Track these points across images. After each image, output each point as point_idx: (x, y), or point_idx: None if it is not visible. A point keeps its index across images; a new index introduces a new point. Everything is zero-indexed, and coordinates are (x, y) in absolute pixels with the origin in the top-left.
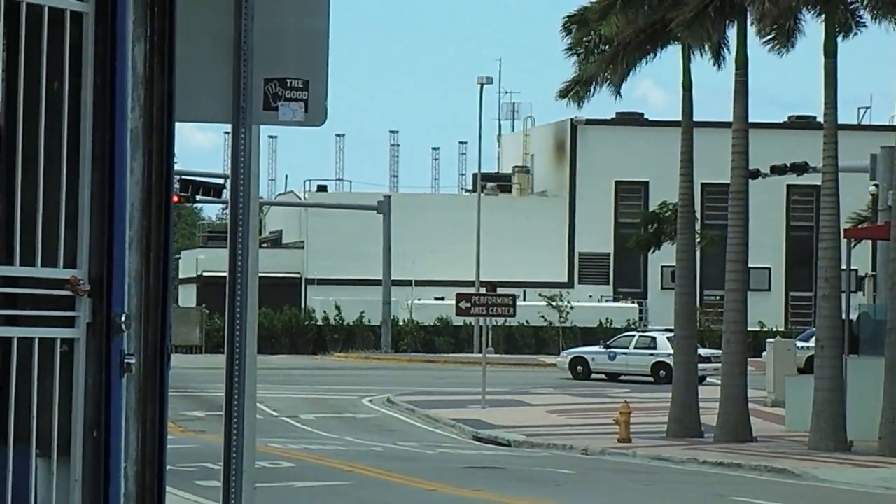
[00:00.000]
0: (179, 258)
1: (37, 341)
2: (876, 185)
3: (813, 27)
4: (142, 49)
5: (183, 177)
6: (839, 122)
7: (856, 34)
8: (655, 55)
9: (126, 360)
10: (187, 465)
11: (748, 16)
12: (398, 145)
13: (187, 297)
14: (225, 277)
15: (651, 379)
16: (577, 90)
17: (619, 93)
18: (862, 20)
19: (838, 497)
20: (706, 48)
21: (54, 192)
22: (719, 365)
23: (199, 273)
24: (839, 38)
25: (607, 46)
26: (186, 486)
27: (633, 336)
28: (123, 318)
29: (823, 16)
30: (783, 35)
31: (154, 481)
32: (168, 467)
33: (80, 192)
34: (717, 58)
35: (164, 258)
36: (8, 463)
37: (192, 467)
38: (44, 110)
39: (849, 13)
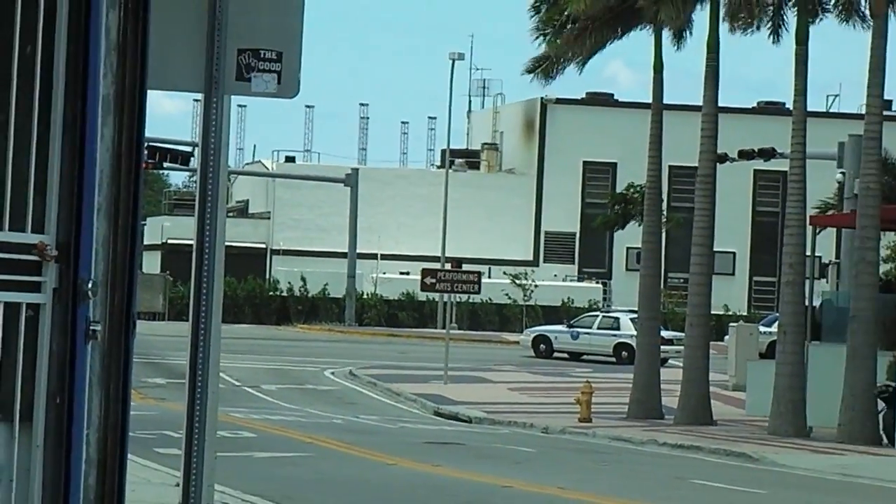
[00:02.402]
0: (145, 225)
1: (2, 305)
2: (843, 173)
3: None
4: (116, 16)
5: (151, 144)
6: (808, 109)
7: (821, 19)
8: (624, 35)
9: (91, 327)
10: (148, 433)
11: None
12: (367, 119)
13: (151, 264)
14: (190, 245)
15: (613, 359)
16: (544, 67)
17: (583, 68)
18: (828, 10)
19: (796, 482)
20: (670, 29)
21: (24, 157)
22: (682, 347)
23: (163, 240)
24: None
25: (575, 24)
26: (147, 453)
27: (597, 316)
28: (90, 285)
29: (796, 3)
30: (757, 20)
31: (116, 448)
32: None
33: (50, 158)
34: (679, 38)
35: (133, 225)
36: None
37: (153, 435)
38: (16, 75)
39: (818, 5)
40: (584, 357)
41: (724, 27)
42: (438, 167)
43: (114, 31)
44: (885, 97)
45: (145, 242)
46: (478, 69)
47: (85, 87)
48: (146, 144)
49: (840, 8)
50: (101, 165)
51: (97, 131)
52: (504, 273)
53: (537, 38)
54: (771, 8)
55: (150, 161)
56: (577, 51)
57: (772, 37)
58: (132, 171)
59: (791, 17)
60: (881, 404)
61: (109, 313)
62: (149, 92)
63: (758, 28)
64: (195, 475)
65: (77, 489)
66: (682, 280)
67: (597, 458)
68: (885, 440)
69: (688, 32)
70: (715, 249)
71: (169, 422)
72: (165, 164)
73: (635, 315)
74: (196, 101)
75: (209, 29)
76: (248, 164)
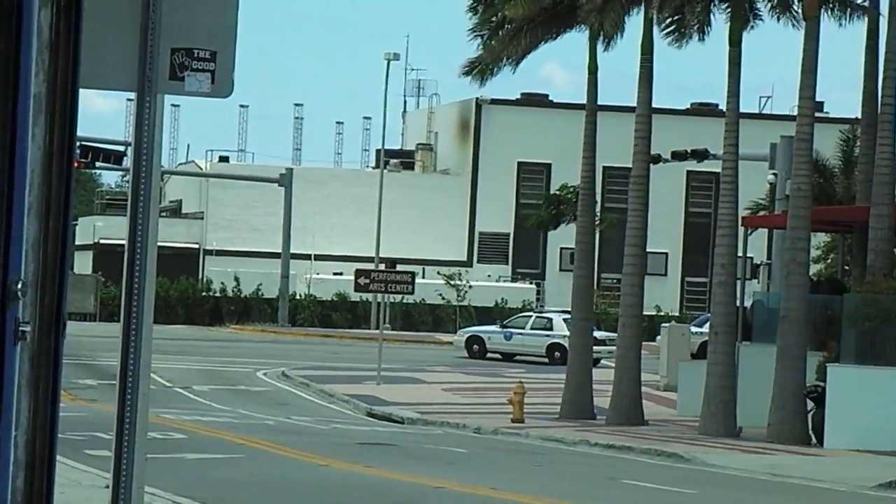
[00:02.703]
0: (76, 225)
1: None
2: (774, 174)
3: (717, 18)
4: (48, 14)
5: (83, 143)
6: (741, 110)
7: (753, 27)
8: (559, 36)
9: (21, 328)
10: (78, 434)
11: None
12: (302, 119)
13: (83, 264)
14: (122, 246)
15: (546, 360)
16: (480, 69)
17: (517, 68)
18: (760, 14)
19: (726, 482)
20: (603, 32)
21: None
22: (614, 348)
23: (95, 240)
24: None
25: (511, 25)
26: (77, 455)
27: (530, 317)
28: (19, 286)
29: (729, 4)
30: (687, 27)
31: (45, 450)
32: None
33: None
34: (610, 40)
35: (64, 226)
36: None
37: (83, 436)
38: None
39: (749, 7)
40: (518, 357)
41: (658, 29)
42: (373, 167)
43: (46, 29)
44: (817, 99)
45: (77, 242)
46: (413, 69)
47: (16, 85)
48: (79, 144)
49: (775, 9)
50: (31, 165)
51: (28, 130)
52: (438, 273)
53: (474, 38)
54: (699, 6)
55: (82, 160)
56: (512, 51)
57: (698, 35)
58: (63, 170)
59: (722, 20)
60: (810, 404)
61: (39, 314)
62: (82, 91)
63: (690, 37)
64: (125, 477)
65: (5, 491)
66: (615, 280)
67: (529, 459)
68: (813, 440)
69: (619, 35)
70: (648, 250)
71: (99, 423)
72: (98, 164)
73: (568, 316)
74: (129, 100)
75: (142, 28)
76: (181, 163)
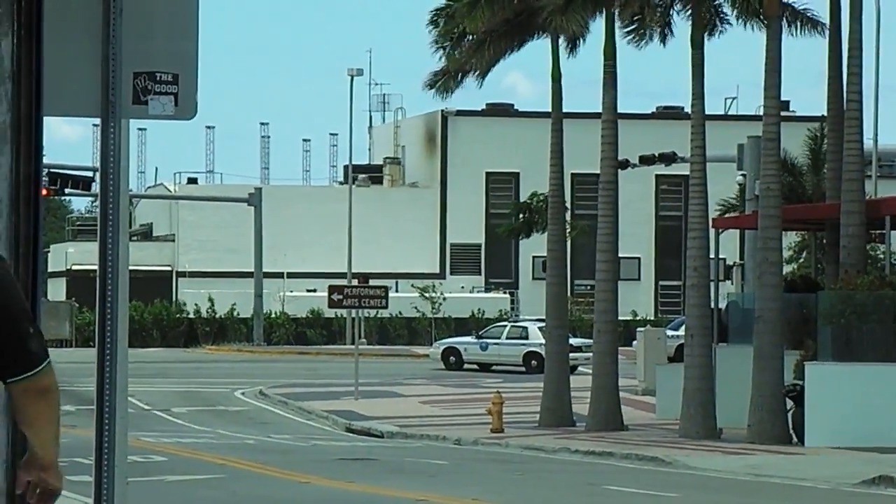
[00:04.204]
0: (48, 252)
1: None
2: (743, 175)
3: (679, 21)
4: (9, 44)
5: (51, 170)
6: (706, 112)
7: (721, 32)
8: (522, 45)
9: None
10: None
11: (614, 7)
12: (269, 137)
13: (57, 291)
14: (95, 271)
15: (523, 369)
16: (444, 81)
17: (483, 81)
18: (727, 17)
19: (709, 484)
20: (566, 38)
21: None
22: (591, 354)
23: (68, 267)
24: (705, 36)
25: (474, 37)
26: None
27: (505, 326)
28: None
29: (690, 9)
30: (648, 29)
31: None
32: None
33: None
34: (574, 46)
35: (34, 254)
36: None
37: (64, 462)
38: None
39: (713, 9)
40: (494, 367)
41: (620, 34)
42: (341, 183)
43: (7, 59)
44: (782, 98)
45: (50, 269)
46: (377, 84)
47: None
48: (47, 171)
49: (742, 14)
50: None
51: None
52: (412, 286)
53: (437, 51)
54: (660, 10)
55: (51, 188)
56: (476, 63)
57: (660, 38)
58: (31, 199)
59: (684, 23)
60: (789, 403)
61: None
62: (48, 118)
63: (651, 38)
64: (106, 502)
65: None
66: (588, 287)
67: (510, 468)
68: (794, 439)
69: (581, 40)
70: (620, 255)
71: (79, 448)
72: (67, 190)
73: (543, 324)
74: (95, 125)
75: (104, 53)
76: (150, 187)
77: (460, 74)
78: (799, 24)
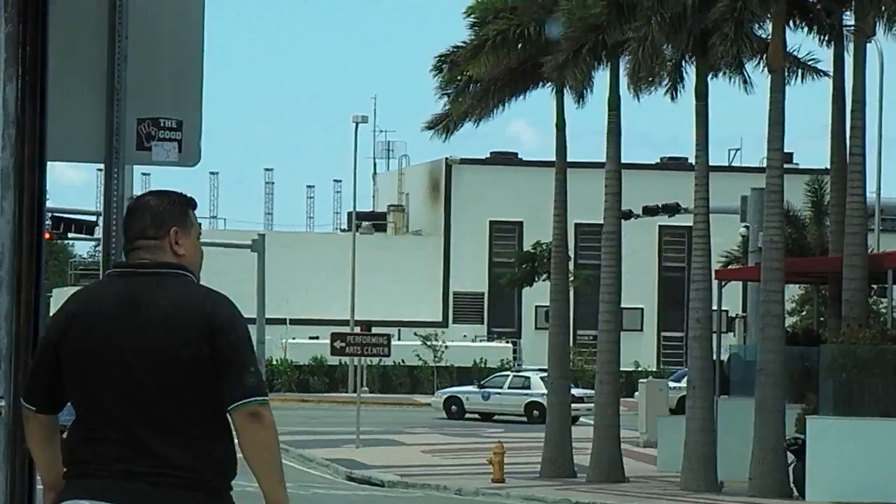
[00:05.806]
0: (51, 296)
1: None
2: (746, 227)
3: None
4: (13, 88)
5: (54, 214)
6: (710, 163)
7: (725, 74)
8: (526, 94)
9: None
10: None
11: (620, 62)
12: (273, 183)
13: None
14: None
15: (525, 419)
16: (444, 123)
17: (479, 123)
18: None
19: None
20: (572, 89)
21: None
22: (592, 405)
23: None
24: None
25: (478, 84)
26: None
27: (508, 376)
28: None
29: (695, 61)
30: (656, 76)
31: None
32: None
33: None
34: (581, 97)
35: (36, 298)
36: None
37: None
38: None
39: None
40: (496, 417)
41: (625, 84)
42: (345, 230)
43: (11, 104)
44: (786, 150)
45: (52, 314)
46: (382, 131)
47: None
48: (50, 215)
49: (732, 65)
50: (1, 239)
51: None
52: (415, 334)
53: (441, 97)
54: (670, 64)
55: (54, 231)
56: (480, 111)
57: (670, 93)
58: (34, 243)
59: (690, 72)
60: (791, 457)
61: (14, 388)
62: (52, 162)
63: (657, 86)
64: None
65: None
66: (591, 337)
67: None
68: (795, 493)
69: (589, 91)
70: (623, 306)
71: None
72: (70, 235)
73: (545, 374)
74: (99, 170)
75: (108, 99)
76: None
77: (463, 119)
78: (801, 71)
